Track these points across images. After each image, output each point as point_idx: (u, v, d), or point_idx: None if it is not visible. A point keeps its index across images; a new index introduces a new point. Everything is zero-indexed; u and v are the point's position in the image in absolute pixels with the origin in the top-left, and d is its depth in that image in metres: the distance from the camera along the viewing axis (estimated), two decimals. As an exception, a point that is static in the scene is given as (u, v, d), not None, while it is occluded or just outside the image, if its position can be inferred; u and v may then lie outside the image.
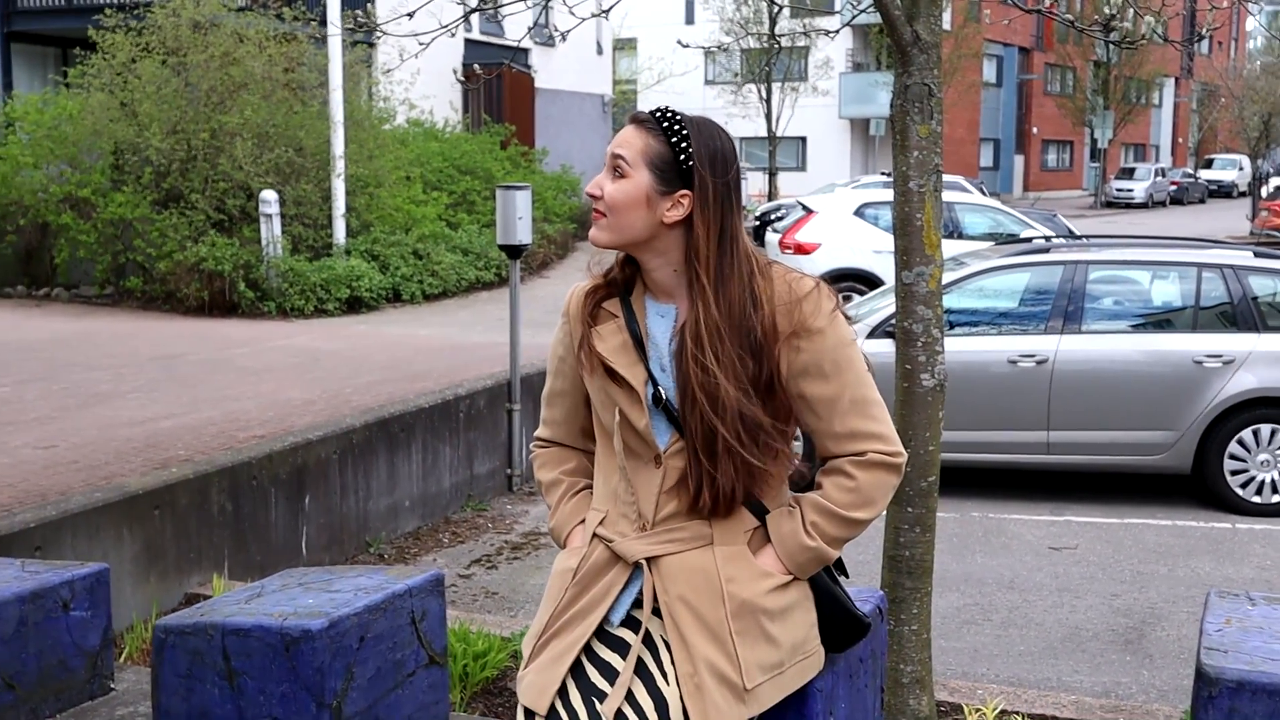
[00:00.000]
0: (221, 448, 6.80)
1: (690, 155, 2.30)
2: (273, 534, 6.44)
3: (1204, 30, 5.20)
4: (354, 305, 14.27)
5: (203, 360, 10.51)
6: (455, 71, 4.34)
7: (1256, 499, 7.99)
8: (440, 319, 13.79)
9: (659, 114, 2.34)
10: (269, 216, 13.88)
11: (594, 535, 2.41)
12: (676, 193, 2.30)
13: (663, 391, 2.33)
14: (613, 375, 2.36)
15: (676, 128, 2.32)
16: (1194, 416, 7.98)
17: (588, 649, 2.34)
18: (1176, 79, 64.57)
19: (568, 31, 4.69)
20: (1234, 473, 8.00)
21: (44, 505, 5.36)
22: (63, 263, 14.65)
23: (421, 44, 4.13)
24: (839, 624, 2.44)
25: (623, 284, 2.42)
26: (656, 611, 2.32)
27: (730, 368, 2.26)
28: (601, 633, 2.35)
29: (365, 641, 3.16)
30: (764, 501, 2.37)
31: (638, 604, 2.35)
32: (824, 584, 2.42)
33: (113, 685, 4.05)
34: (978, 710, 4.37)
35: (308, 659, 3.10)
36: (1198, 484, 8.19)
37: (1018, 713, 4.40)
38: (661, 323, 2.39)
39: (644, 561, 2.33)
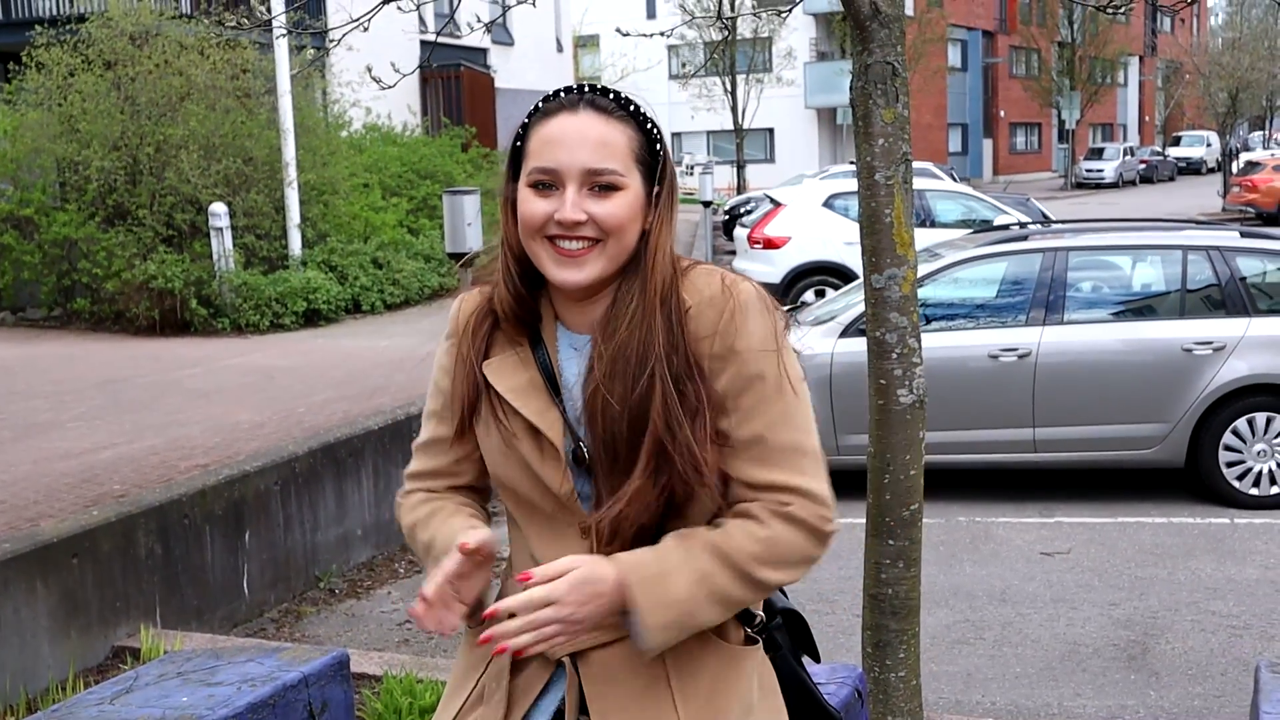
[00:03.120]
0: (161, 480, 6.36)
1: (661, 141, 1.84)
2: (209, 575, 5.98)
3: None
4: (312, 318, 13.79)
5: (150, 383, 10.05)
6: (370, 69, 3.91)
7: (1254, 491, 7.61)
8: (402, 329, 13.35)
9: (613, 95, 1.83)
10: (219, 230, 13.39)
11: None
12: (653, 191, 1.83)
13: (585, 449, 1.83)
14: (521, 420, 1.85)
15: (642, 110, 1.83)
16: (1185, 407, 7.59)
17: None
18: (1141, 57, 64.56)
19: (492, 23, 4.26)
20: (1230, 465, 7.62)
21: (-56, 560, 4.90)
22: (6, 285, 14.13)
23: (364, 26, 3.67)
24: (806, 719, 1.97)
25: (517, 312, 1.90)
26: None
27: (664, 409, 1.76)
28: None
29: (249, 747, 2.71)
30: None
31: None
32: (790, 669, 1.96)
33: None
34: (974, 752, 3.97)
35: (176, 776, 2.58)
36: (1192, 478, 7.81)
37: (1018, 752, 4.00)
38: (575, 358, 1.88)
39: (567, 660, 1.84)
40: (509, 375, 1.87)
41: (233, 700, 2.74)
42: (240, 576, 6.17)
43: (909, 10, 38.74)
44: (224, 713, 2.68)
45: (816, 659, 2.05)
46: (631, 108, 1.83)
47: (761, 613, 1.95)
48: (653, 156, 1.84)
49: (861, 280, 10.94)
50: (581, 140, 1.78)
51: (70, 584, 5.20)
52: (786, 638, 1.98)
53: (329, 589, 6.75)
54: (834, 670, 2.32)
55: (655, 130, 1.85)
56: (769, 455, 1.79)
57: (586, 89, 1.83)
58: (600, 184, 1.78)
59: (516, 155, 1.84)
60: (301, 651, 3.03)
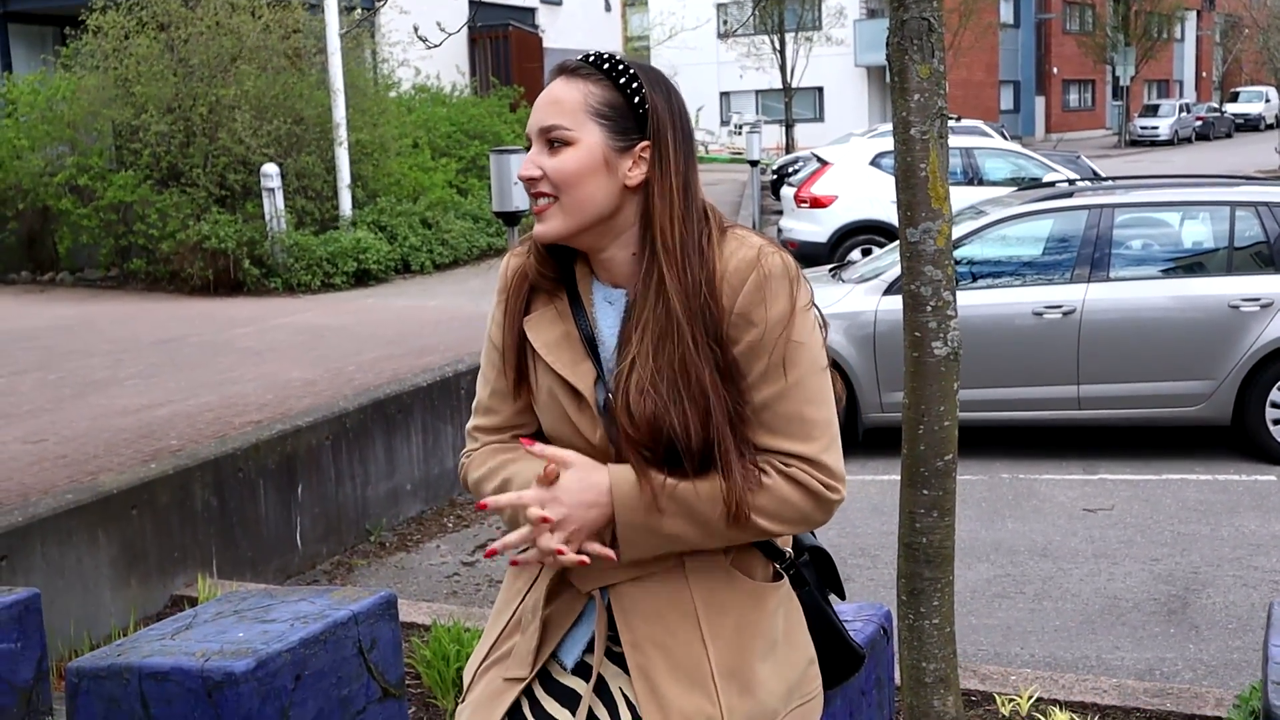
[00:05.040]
0: (216, 435, 6.52)
1: (645, 96, 1.88)
2: (263, 528, 6.13)
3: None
4: (362, 278, 13.94)
5: (204, 342, 10.24)
6: (416, 29, 3.98)
7: (1301, 449, 7.60)
8: (450, 289, 13.48)
9: (592, 57, 1.92)
10: (271, 190, 13.54)
11: None
12: (636, 146, 1.88)
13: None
14: (553, 374, 1.94)
15: (620, 68, 1.90)
16: (1232, 364, 7.57)
17: (530, 695, 1.95)
18: (1198, 12, 63.41)
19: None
20: (1277, 422, 7.60)
21: (10, 510, 5.06)
22: (66, 248, 14.38)
23: None
24: (831, 654, 2.05)
25: (541, 272, 1.98)
26: (613, 656, 1.93)
27: (692, 370, 1.82)
28: (546, 677, 1.96)
29: (302, 680, 2.81)
30: None
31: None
32: (816, 605, 2.04)
33: (51, 720, 3.68)
34: (1011, 700, 4.04)
35: (233, 705, 2.72)
36: (1238, 435, 7.79)
37: (1055, 701, 4.05)
38: (610, 311, 1.95)
39: (597, 593, 1.93)
40: (546, 330, 1.96)
41: (286, 635, 2.86)
42: (293, 529, 6.32)
43: (961, -34, 38.34)
44: (278, 646, 2.80)
45: (842, 596, 2.13)
46: (604, 67, 1.90)
47: (790, 550, 2.03)
48: (631, 111, 1.89)
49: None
50: (542, 103, 1.90)
51: (130, 534, 5.37)
52: (814, 574, 2.06)
53: (379, 542, 6.90)
54: (861, 608, 2.39)
55: (636, 85, 1.89)
56: (777, 423, 1.86)
57: (573, 60, 1.92)
58: (551, 139, 1.88)
59: None
60: (351, 592, 3.14)
